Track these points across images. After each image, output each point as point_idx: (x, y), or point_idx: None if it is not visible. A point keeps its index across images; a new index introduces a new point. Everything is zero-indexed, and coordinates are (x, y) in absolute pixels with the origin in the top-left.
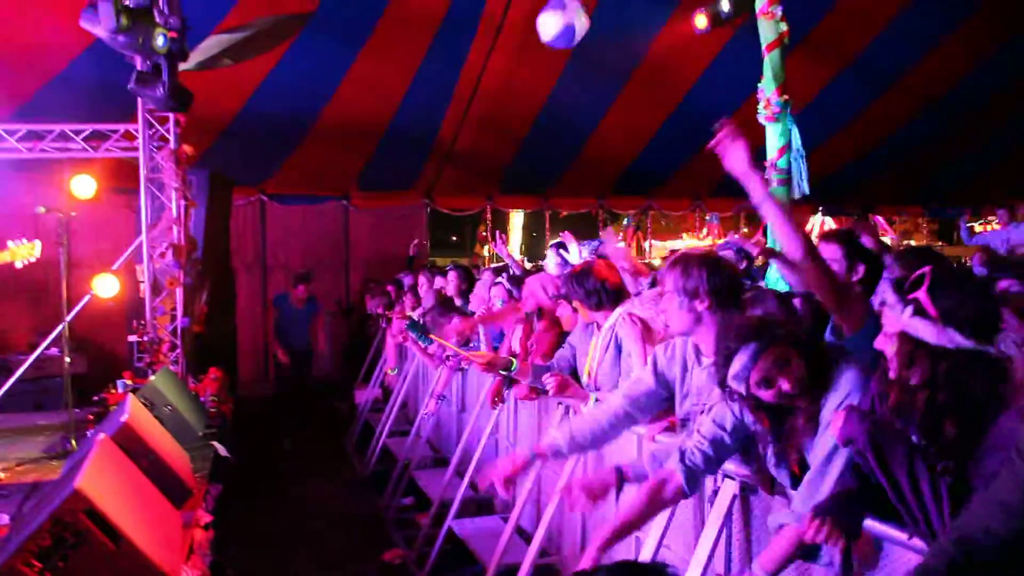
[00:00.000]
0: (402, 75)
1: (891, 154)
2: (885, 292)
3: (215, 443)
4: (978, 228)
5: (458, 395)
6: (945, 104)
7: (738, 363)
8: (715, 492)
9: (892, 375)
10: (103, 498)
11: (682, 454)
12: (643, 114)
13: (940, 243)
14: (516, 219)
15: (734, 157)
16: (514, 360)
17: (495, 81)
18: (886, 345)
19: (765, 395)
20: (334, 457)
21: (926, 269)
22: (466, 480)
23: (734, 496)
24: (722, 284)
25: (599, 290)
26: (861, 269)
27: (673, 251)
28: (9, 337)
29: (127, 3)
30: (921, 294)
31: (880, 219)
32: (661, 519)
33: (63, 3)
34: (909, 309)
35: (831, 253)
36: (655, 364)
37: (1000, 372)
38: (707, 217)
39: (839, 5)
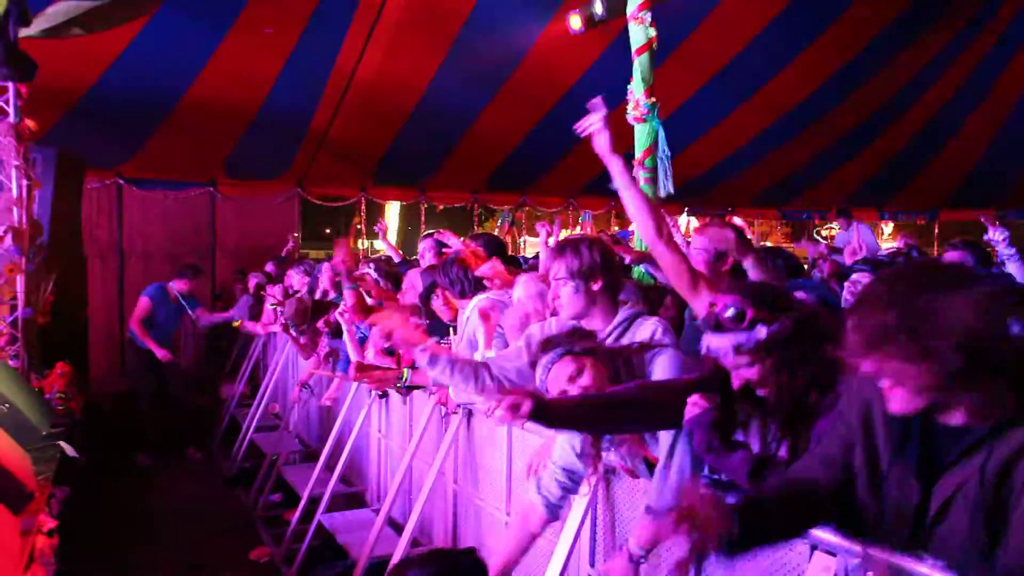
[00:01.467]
0: (273, 58)
1: (749, 160)
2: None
3: (61, 443)
4: (824, 233)
5: (327, 385)
6: (796, 115)
7: (540, 370)
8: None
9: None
10: None
11: (538, 484)
12: (521, 111)
13: (791, 244)
14: (391, 211)
15: (600, 139)
16: (405, 371)
17: (371, 70)
18: (744, 376)
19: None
20: (199, 456)
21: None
22: (336, 473)
23: (597, 480)
24: (612, 264)
25: (462, 279)
26: (731, 261)
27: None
28: None
29: None
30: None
31: (739, 220)
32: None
33: None
34: (711, 336)
35: (702, 243)
36: (529, 343)
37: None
38: (580, 216)
39: (707, 21)
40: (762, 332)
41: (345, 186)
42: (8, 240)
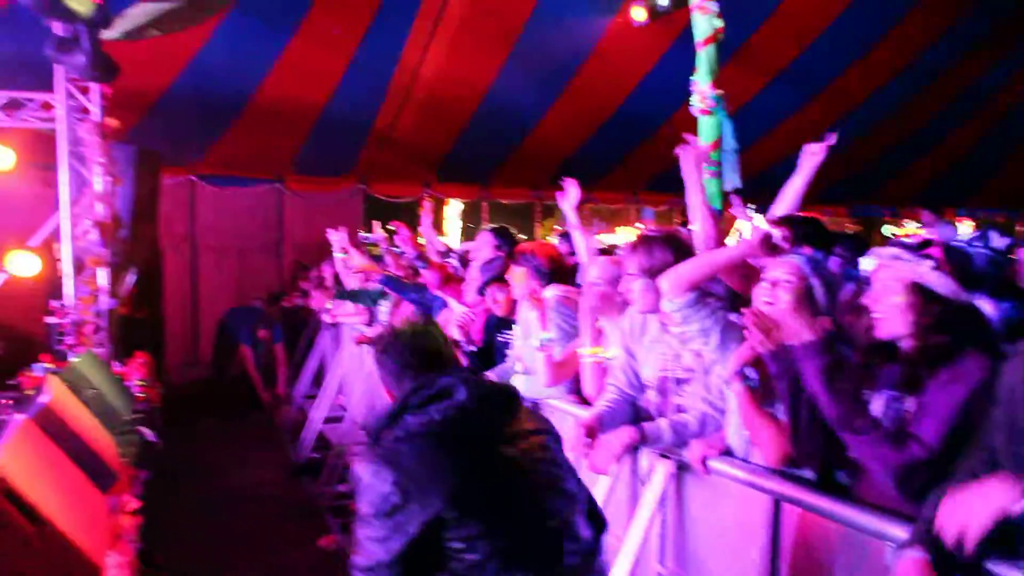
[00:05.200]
0: (338, 58)
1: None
2: (882, 253)
3: (142, 428)
4: (896, 231)
5: None
6: (864, 111)
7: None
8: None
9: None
10: (23, 479)
11: None
12: (585, 108)
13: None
14: (452, 209)
15: (690, 163)
16: None
17: (434, 68)
18: (885, 296)
19: None
20: (267, 444)
21: (933, 236)
22: None
23: (670, 476)
24: (685, 260)
25: (540, 269)
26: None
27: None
28: None
29: None
30: (937, 252)
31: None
32: (599, 497)
33: None
34: (928, 263)
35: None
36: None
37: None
38: (641, 212)
39: (772, 18)
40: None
41: (408, 183)
42: (93, 234)
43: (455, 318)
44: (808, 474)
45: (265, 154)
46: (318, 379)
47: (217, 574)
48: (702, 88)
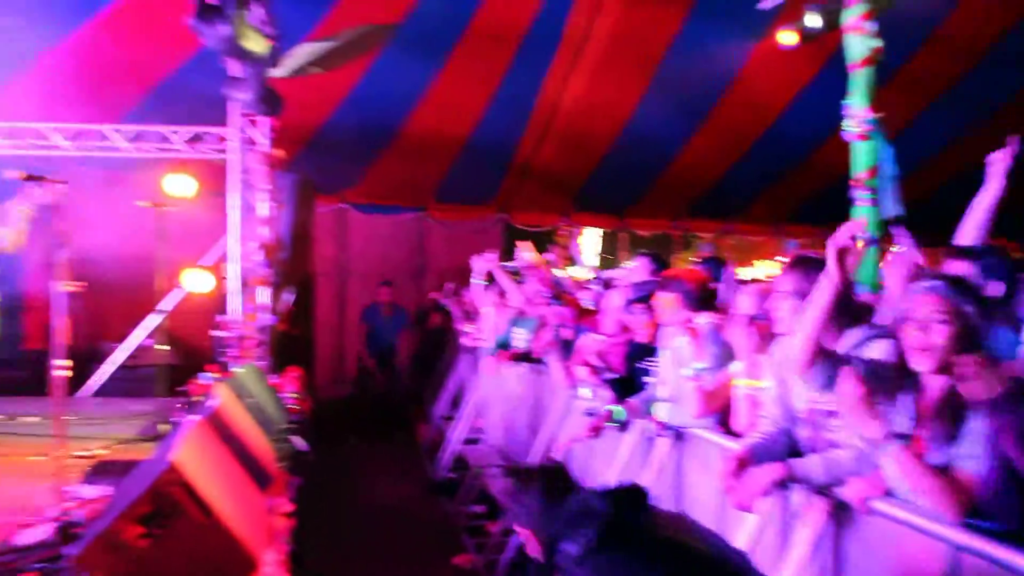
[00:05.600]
0: (483, 90)
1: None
2: None
3: (295, 437)
4: None
5: (530, 400)
6: None
7: None
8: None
9: None
10: (196, 474)
11: None
12: (728, 136)
13: None
14: (590, 238)
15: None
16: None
17: (575, 99)
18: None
19: None
20: (407, 461)
21: None
22: None
23: (825, 516)
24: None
25: (690, 294)
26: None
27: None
28: (106, 328)
29: (234, 8)
30: None
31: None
32: (745, 536)
33: (167, 19)
34: None
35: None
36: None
37: None
38: (785, 244)
39: (935, 36)
40: None
41: (547, 213)
42: (258, 255)
43: (594, 347)
44: (989, 524)
45: (410, 183)
46: (456, 401)
47: None
48: (857, 112)
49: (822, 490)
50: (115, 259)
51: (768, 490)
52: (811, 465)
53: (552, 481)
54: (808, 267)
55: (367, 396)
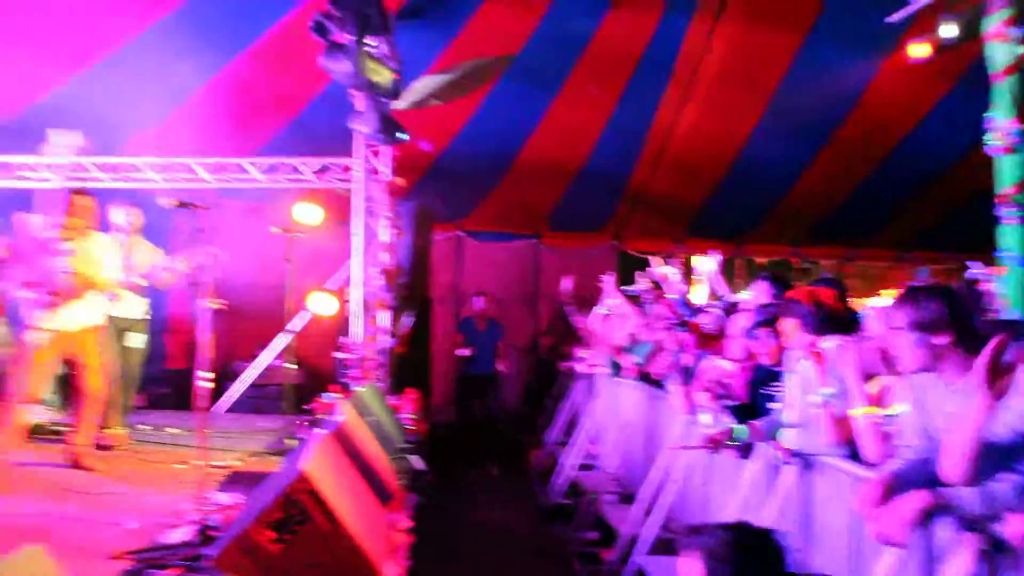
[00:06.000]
0: (597, 117)
1: None
2: None
3: (412, 456)
4: None
5: (646, 427)
6: None
7: None
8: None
9: None
10: (323, 484)
11: None
12: (853, 158)
13: None
14: (703, 266)
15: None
16: (738, 427)
17: (689, 125)
18: None
19: None
20: (519, 486)
21: None
22: (654, 517)
23: (976, 555)
24: (963, 317)
25: (813, 316)
26: None
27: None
28: (238, 348)
29: (360, 45)
30: None
31: None
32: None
33: (298, 58)
34: None
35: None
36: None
37: None
38: (917, 272)
39: None
40: None
41: (660, 239)
42: (379, 279)
43: (716, 372)
44: None
45: (525, 211)
46: (570, 426)
47: None
48: (1002, 124)
49: (975, 525)
50: (249, 283)
51: (915, 520)
52: (964, 495)
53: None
54: (919, 296)
55: (471, 415)
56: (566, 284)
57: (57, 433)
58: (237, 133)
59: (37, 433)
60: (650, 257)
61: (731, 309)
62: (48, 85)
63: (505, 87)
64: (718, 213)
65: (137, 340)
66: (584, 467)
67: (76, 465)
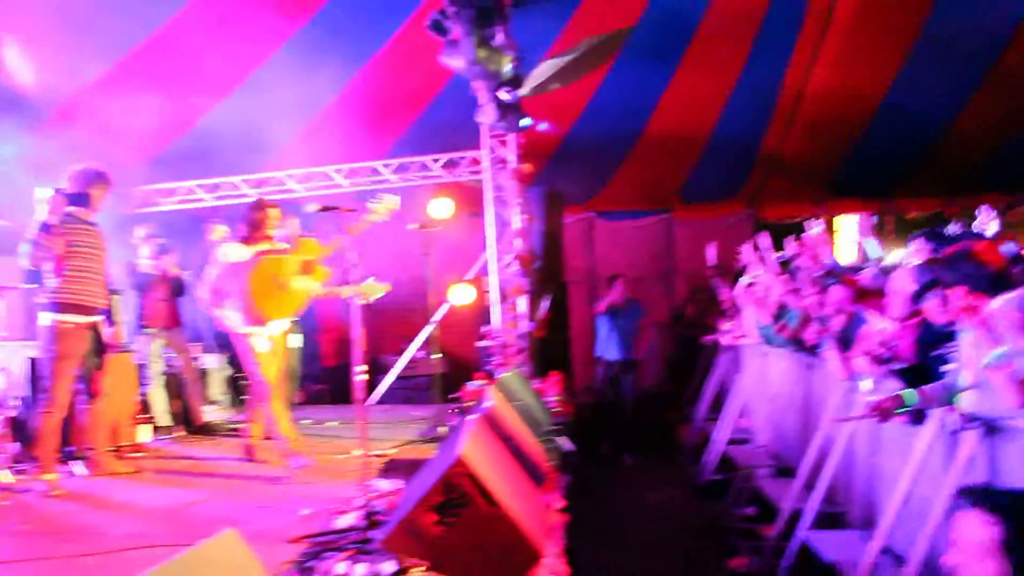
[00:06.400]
0: (722, 83)
1: None
2: None
3: (560, 438)
4: None
5: (799, 397)
6: None
7: None
8: None
9: None
10: (481, 467)
11: None
12: (1015, 94)
13: None
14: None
15: None
16: (908, 393)
17: (822, 82)
18: None
19: None
20: (669, 464)
21: None
22: (817, 491)
23: None
24: None
25: (974, 275)
26: None
27: None
28: (383, 344)
29: (478, 37)
30: None
31: None
32: None
33: (419, 59)
34: None
35: None
36: None
37: None
38: None
39: None
40: None
41: (799, 203)
42: (513, 266)
43: (878, 334)
44: None
45: (654, 186)
46: (718, 401)
47: None
48: None
49: None
50: (390, 280)
51: None
52: None
53: None
54: None
55: (618, 395)
56: (710, 252)
57: (230, 430)
58: (368, 138)
59: (212, 431)
60: (805, 222)
61: (889, 269)
62: (195, 116)
63: (625, 62)
64: (861, 170)
65: (295, 340)
66: (735, 442)
67: (251, 458)
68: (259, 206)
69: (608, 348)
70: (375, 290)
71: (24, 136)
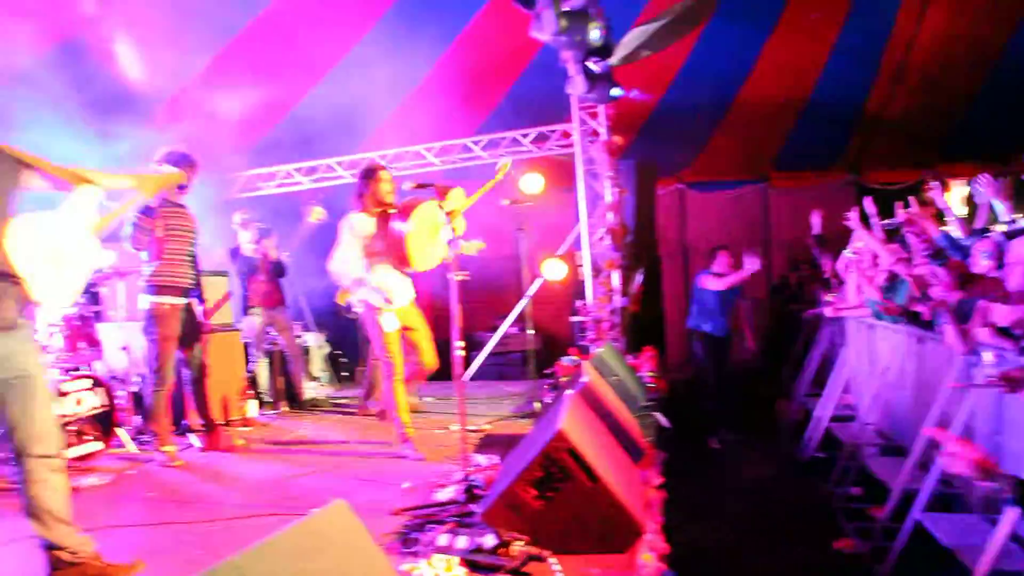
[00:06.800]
0: (820, 44)
1: None
2: None
3: (656, 414)
4: None
5: (911, 372)
6: None
7: None
8: None
9: None
10: (581, 442)
11: None
12: None
13: None
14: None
15: None
16: None
17: (933, 34)
18: None
19: None
20: (768, 440)
21: None
22: (934, 471)
23: None
24: None
25: None
26: None
27: None
28: (476, 320)
29: (565, 7)
30: None
31: None
32: None
33: (508, 34)
34: None
35: None
36: None
37: None
38: None
39: None
40: None
41: (905, 167)
42: (606, 240)
43: (1002, 307)
44: None
45: (748, 155)
46: (821, 375)
47: (733, 561)
48: None
49: None
50: (483, 256)
51: None
52: None
53: None
54: None
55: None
56: (815, 220)
57: (333, 406)
58: (458, 115)
59: (314, 406)
60: (929, 184)
61: (1014, 234)
62: (290, 103)
63: (717, 27)
64: (977, 129)
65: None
66: (838, 419)
67: (382, 417)
68: (370, 172)
69: (707, 321)
70: (472, 247)
71: (136, 131)
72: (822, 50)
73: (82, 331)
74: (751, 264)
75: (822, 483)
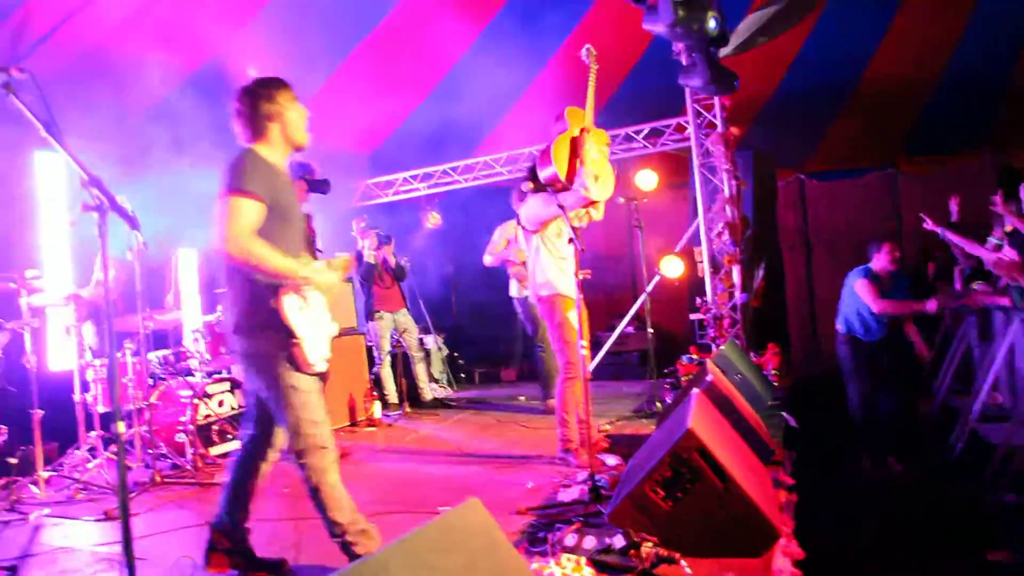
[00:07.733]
0: (953, 17)
1: None
2: None
3: (784, 413)
4: None
5: None
6: None
7: None
8: None
9: None
10: (710, 442)
11: None
12: None
13: None
14: None
15: None
16: None
17: None
18: None
19: None
20: (908, 439)
21: None
22: None
23: None
24: None
25: None
26: None
27: None
28: (592, 320)
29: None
30: None
31: None
32: None
33: (617, 30)
34: None
35: None
36: None
37: None
38: None
39: None
40: None
41: None
42: (725, 235)
43: None
44: None
45: (872, 141)
46: (965, 371)
47: (871, 569)
48: None
49: None
50: (598, 255)
51: None
52: None
53: None
54: None
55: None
56: (953, 207)
57: (452, 406)
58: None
59: (436, 407)
60: None
61: None
62: (402, 114)
63: (836, 8)
64: None
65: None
66: (987, 418)
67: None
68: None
69: (858, 324)
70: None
71: None
72: (956, 22)
73: (223, 337)
74: (930, 305)
75: (970, 487)
